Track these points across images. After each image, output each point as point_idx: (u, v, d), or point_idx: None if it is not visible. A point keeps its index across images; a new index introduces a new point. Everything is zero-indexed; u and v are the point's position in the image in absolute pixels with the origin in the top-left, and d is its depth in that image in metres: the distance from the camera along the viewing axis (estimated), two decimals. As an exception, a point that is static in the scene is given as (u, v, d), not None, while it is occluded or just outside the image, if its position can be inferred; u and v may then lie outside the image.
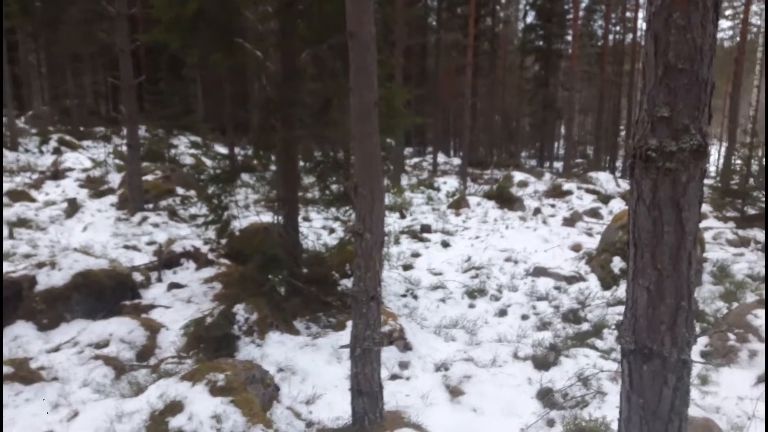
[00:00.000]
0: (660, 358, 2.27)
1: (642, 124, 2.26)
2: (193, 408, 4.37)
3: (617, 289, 8.63)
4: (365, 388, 4.73)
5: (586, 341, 6.74)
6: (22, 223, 10.86)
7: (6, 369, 5.05)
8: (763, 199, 13.20)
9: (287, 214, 7.94)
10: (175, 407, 4.43)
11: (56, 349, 5.67)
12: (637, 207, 2.33)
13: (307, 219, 11.69)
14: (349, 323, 4.92)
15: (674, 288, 2.26)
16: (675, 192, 2.23)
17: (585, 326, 7.37)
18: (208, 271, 8.34)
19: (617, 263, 9.31)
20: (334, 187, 8.12)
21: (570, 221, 15.03)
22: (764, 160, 13.56)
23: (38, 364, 5.25)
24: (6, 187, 13.76)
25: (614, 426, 4.46)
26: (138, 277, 8.02)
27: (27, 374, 5.13)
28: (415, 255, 11.04)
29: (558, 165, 31.62)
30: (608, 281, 9.05)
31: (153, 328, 6.41)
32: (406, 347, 6.52)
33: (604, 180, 22.64)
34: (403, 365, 6.14)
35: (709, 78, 2.16)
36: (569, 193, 18.83)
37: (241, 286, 7.56)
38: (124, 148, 14.84)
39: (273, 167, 8.02)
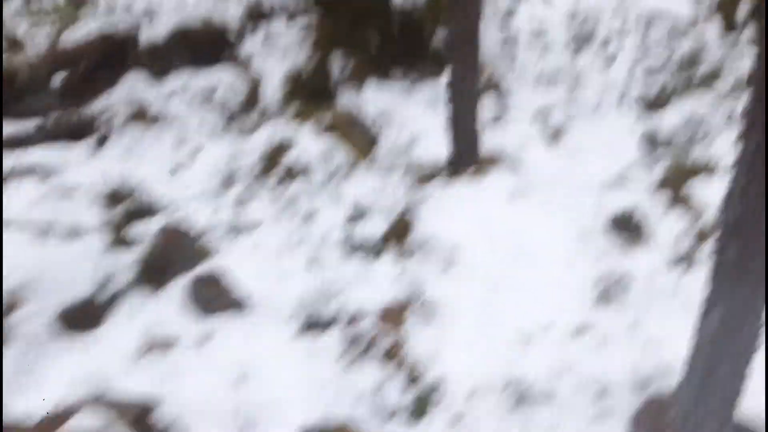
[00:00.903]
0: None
1: None
2: (302, 146, 4.65)
3: (742, 33, 7.75)
4: (462, 127, 4.77)
5: (701, 85, 6.29)
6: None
7: (128, 112, 5.48)
8: None
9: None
10: (285, 146, 4.72)
11: (169, 96, 6.01)
12: None
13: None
14: (445, 75, 4.81)
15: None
16: None
17: (702, 70, 6.81)
18: (300, 22, 8.18)
19: (744, 6, 8.22)
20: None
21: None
22: None
23: (156, 108, 5.63)
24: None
25: (722, 165, 4.34)
26: (232, 30, 8.01)
27: (147, 118, 5.56)
28: (514, 5, 10.20)
29: None
30: (733, 24, 8.10)
31: (254, 78, 6.59)
32: (503, 95, 6.41)
33: None
34: (501, 110, 6.08)
35: None
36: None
37: (334, 38, 7.45)
38: None
39: None
